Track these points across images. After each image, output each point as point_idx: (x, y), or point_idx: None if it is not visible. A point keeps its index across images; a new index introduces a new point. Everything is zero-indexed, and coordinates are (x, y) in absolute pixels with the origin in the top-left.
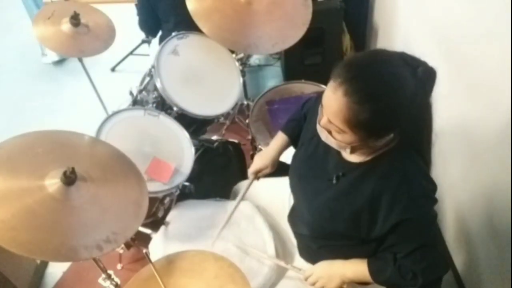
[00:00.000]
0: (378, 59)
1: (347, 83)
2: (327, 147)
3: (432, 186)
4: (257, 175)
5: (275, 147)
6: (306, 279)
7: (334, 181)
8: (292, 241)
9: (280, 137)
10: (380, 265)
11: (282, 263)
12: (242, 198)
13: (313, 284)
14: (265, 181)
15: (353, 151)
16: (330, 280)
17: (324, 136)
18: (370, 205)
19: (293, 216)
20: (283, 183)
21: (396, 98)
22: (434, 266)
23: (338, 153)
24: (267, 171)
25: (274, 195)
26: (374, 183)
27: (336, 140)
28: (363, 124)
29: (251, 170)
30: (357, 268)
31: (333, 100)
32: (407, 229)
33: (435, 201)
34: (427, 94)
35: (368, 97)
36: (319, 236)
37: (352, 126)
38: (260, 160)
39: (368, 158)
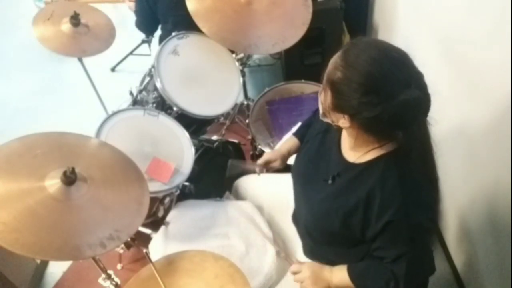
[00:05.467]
0: (392, 52)
1: (352, 46)
2: (329, 144)
3: (430, 196)
4: (266, 167)
5: (286, 146)
6: (293, 273)
7: (330, 182)
8: (293, 240)
9: (291, 140)
10: (361, 271)
11: (278, 249)
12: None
13: (298, 281)
14: (268, 179)
15: (323, 115)
16: (316, 284)
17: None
18: (363, 206)
19: (295, 216)
20: (286, 181)
21: (373, 85)
22: (417, 275)
23: (338, 151)
24: (276, 164)
25: (276, 194)
26: (370, 185)
27: (320, 98)
28: (333, 84)
29: (260, 161)
30: (343, 275)
31: (336, 54)
32: (395, 231)
33: (431, 212)
34: (407, 112)
35: (354, 64)
36: (317, 236)
37: (327, 81)
38: (270, 153)
39: (365, 159)
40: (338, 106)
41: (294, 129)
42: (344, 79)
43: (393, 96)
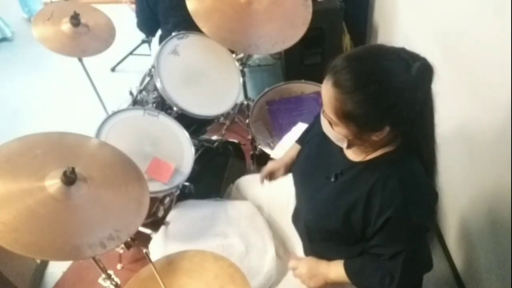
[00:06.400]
0: (370, 53)
1: (336, 74)
2: (330, 145)
3: (430, 195)
4: (270, 177)
5: (289, 154)
6: (291, 269)
7: (332, 179)
8: (293, 240)
9: (295, 148)
10: (357, 267)
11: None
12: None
13: (296, 277)
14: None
15: (350, 146)
16: (313, 279)
17: (325, 126)
18: (364, 204)
19: (296, 216)
20: (286, 181)
21: (380, 89)
22: (413, 273)
23: (340, 151)
24: (280, 173)
25: (276, 194)
26: (371, 183)
27: (333, 132)
28: (350, 115)
29: (263, 173)
30: (340, 270)
31: (325, 91)
32: (394, 229)
33: (431, 211)
34: (422, 89)
35: (353, 88)
36: (317, 235)
37: (341, 117)
38: (273, 163)
39: (368, 158)
40: (370, 127)
41: (294, 129)
42: (359, 104)
43: (410, 80)
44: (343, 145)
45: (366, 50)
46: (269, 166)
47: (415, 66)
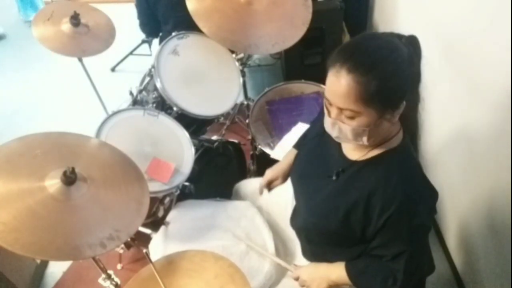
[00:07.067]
0: (365, 38)
1: (347, 61)
2: (328, 145)
3: (431, 194)
4: (269, 187)
5: (286, 161)
6: (295, 280)
7: (334, 178)
8: (293, 240)
9: (292, 153)
10: (359, 269)
11: (281, 262)
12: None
13: (301, 285)
14: None
15: (369, 138)
16: (315, 283)
17: (336, 131)
18: (364, 203)
19: (294, 218)
20: (286, 183)
21: (396, 59)
22: (416, 273)
23: (339, 150)
24: (278, 182)
25: (276, 195)
26: (372, 182)
27: (351, 128)
28: (375, 95)
29: (262, 182)
30: (341, 272)
31: (338, 84)
32: (396, 229)
33: (432, 210)
34: (419, 57)
35: (371, 66)
36: (316, 237)
37: (366, 101)
38: (271, 171)
39: (367, 156)
40: (393, 103)
41: (294, 129)
42: (381, 80)
43: (409, 50)
44: (363, 138)
45: (359, 38)
46: (268, 175)
47: (403, 40)
